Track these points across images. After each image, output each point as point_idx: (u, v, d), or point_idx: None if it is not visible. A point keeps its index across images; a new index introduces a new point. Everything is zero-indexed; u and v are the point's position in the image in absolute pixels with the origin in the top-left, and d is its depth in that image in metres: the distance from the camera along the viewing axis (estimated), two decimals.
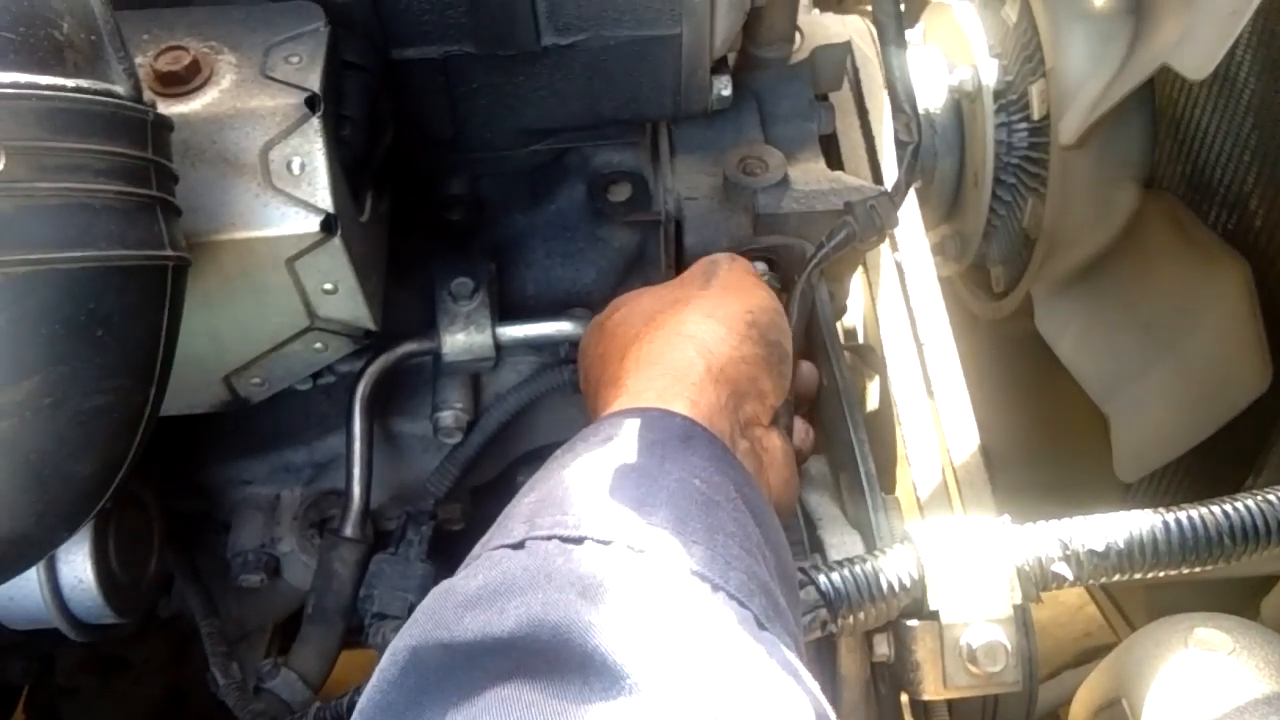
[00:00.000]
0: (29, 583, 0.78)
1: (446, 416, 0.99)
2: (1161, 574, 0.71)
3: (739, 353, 0.70)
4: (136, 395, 0.58)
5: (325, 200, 0.72)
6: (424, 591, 0.92)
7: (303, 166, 0.72)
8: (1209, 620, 0.82)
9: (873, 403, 1.21)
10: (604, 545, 0.48)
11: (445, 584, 0.49)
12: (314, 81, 0.73)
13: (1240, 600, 1.06)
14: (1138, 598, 1.34)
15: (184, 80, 0.72)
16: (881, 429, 1.19)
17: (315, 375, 0.99)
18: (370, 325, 0.83)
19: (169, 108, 0.71)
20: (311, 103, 0.72)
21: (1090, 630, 1.90)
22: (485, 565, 0.49)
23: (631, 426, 0.59)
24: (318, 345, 0.83)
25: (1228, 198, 1.14)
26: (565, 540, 0.48)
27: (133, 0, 0.78)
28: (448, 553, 1.08)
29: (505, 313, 1.01)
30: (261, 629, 1.12)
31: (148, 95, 0.70)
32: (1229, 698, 0.74)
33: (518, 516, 0.53)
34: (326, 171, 0.73)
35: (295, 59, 0.74)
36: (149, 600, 0.92)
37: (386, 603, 0.91)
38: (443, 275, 0.97)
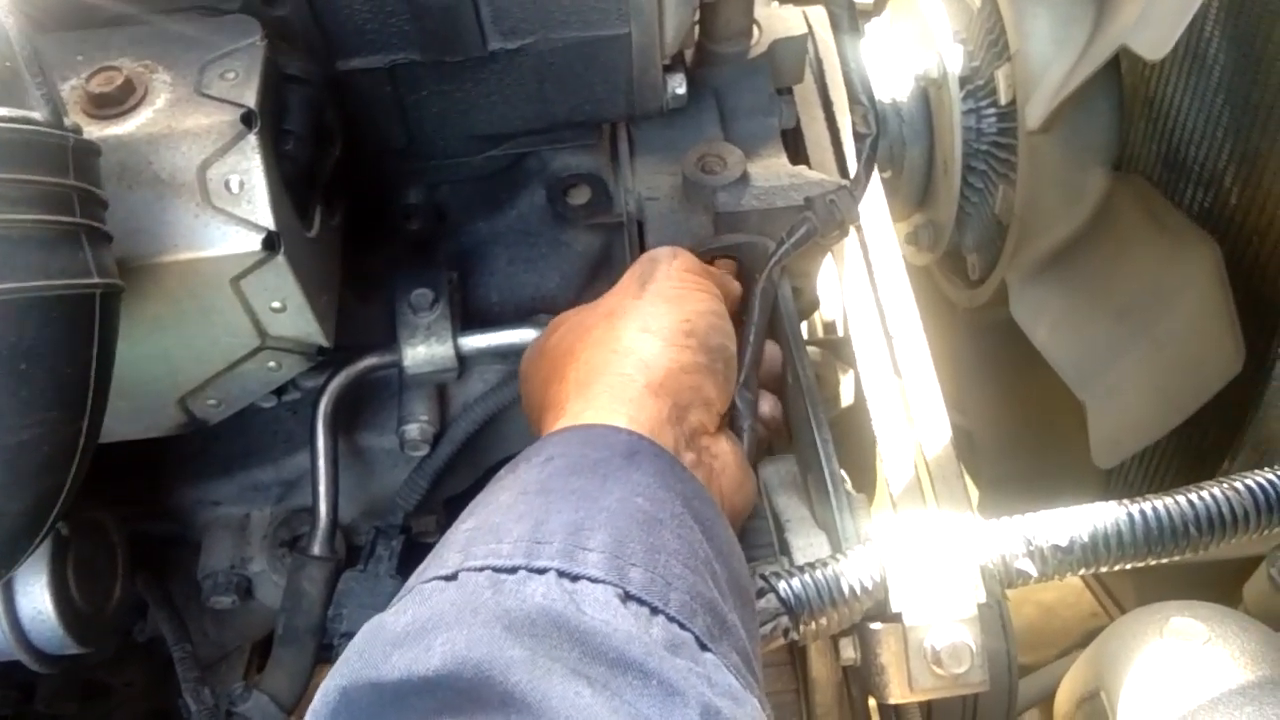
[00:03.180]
0: None
1: (412, 429, 0.98)
2: (1129, 566, 0.69)
3: (677, 364, 0.69)
4: (67, 427, 0.56)
5: (266, 218, 0.71)
6: None
7: (241, 184, 0.71)
8: (1185, 609, 0.81)
9: (849, 397, 1.20)
10: (537, 574, 0.47)
11: (375, 620, 0.49)
12: (250, 97, 0.72)
13: (1226, 584, 1.05)
14: (1126, 583, 1.33)
15: (118, 101, 0.71)
16: (860, 423, 1.18)
17: (279, 392, 0.98)
18: (323, 342, 0.82)
19: (103, 130, 0.70)
20: (248, 119, 0.71)
21: (1097, 610, 1.89)
22: (415, 600, 0.48)
23: (573, 445, 0.57)
24: (271, 364, 0.82)
25: (1202, 176, 1.12)
26: (498, 570, 0.47)
27: (69, 20, 0.77)
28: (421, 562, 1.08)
29: (469, 321, 1.00)
30: (239, 649, 1.12)
31: (80, 119, 0.69)
32: (1204, 688, 0.73)
33: (453, 545, 0.52)
34: (266, 188, 0.71)
35: (231, 75, 0.73)
36: (115, 628, 0.91)
37: (355, 621, 0.90)
38: (403, 286, 0.96)
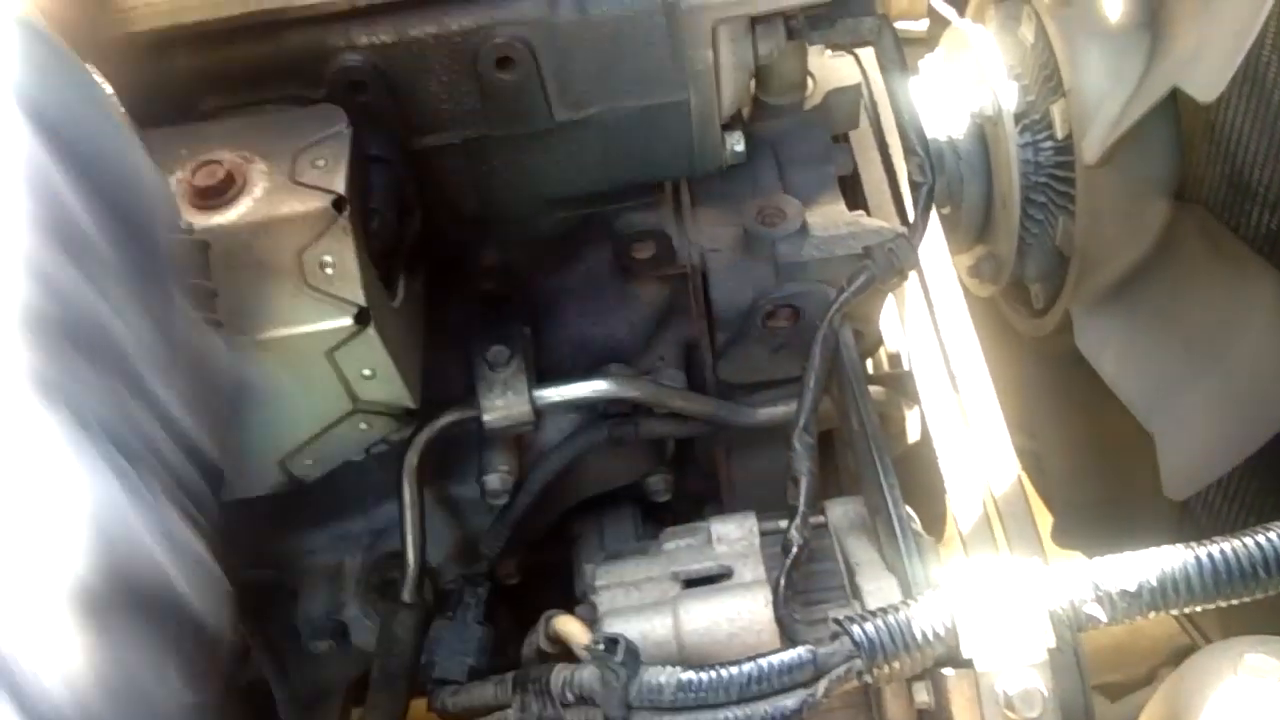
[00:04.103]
0: None
1: (493, 480, 1.02)
2: (1198, 609, 0.71)
3: None
4: None
5: (357, 295, 0.76)
6: (483, 654, 0.96)
7: (334, 265, 0.76)
8: (1259, 645, 0.81)
9: (915, 433, 1.22)
10: None
11: None
12: (339, 183, 0.77)
13: None
14: (1210, 610, 1.32)
15: (220, 192, 0.77)
16: (927, 458, 1.20)
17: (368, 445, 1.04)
18: (410, 404, 0.87)
19: (209, 219, 0.76)
20: (338, 204, 0.76)
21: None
22: None
23: None
24: (363, 425, 0.87)
25: (1267, 198, 1.12)
26: None
27: (173, 116, 0.84)
28: (508, 603, 1.12)
29: (543, 374, 1.04)
30: (336, 690, 1.17)
31: (187, 209, 0.75)
32: None
33: None
34: (357, 267, 0.77)
35: (321, 162, 0.79)
36: (226, 673, 0.96)
37: (447, 668, 0.94)
38: (479, 344, 1.01)
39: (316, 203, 0.76)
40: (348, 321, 0.76)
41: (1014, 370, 1.48)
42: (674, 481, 1.18)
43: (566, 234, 1.05)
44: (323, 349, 0.78)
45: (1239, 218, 1.14)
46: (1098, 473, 1.40)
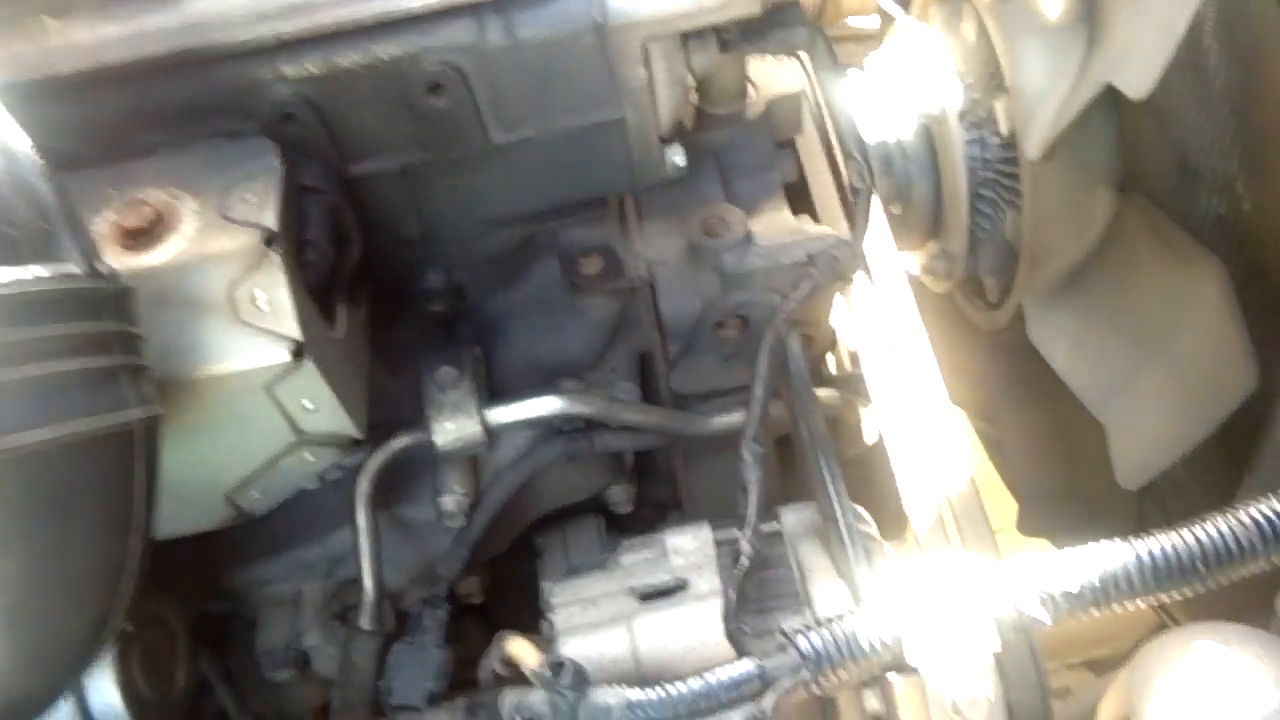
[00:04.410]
0: (61, 715, 0.83)
1: (448, 501, 1.02)
2: (1140, 604, 0.71)
3: None
4: (118, 548, 0.61)
5: (293, 329, 0.76)
6: (442, 678, 0.96)
7: (268, 301, 0.76)
8: (1209, 632, 0.82)
9: (873, 435, 1.22)
10: None
11: None
12: (270, 218, 0.77)
13: (1272, 592, 1.05)
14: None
15: (149, 233, 0.76)
16: (884, 460, 1.20)
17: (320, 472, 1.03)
18: (356, 434, 0.87)
19: (137, 260, 0.76)
20: (269, 240, 0.76)
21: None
22: None
23: None
24: (309, 457, 0.87)
25: (1215, 183, 1.13)
26: None
27: (100, 156, 0.83)
28: (476, 621, 1.12)
29: (495, 393, 1.04)
30: (302, 718, 1.17)
31: (115, 251, 0.75)
32: (1228, 713, 0.74)
33: None
34: (291, 301, 0.76)
35: (252, 197, 0.78)
36: (182, 709, 0.96)
37: (405, 694, 0.94)
38: (428, 365, 1.01)
39: (247, 238, 0.76)
40: (284, 356, 0.76)
41: (973, 361, 1.49)
42: (636, 492, 1.18)
43: (512, 252, 1.05)
44: (261, 385, 0.77)
45: (1188, 204, 1.14)
46: (1058, 459, 1.41)
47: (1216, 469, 1.13)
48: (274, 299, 0.76)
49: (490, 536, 1.08)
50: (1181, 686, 0.79)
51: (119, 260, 0.74)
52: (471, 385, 0.99)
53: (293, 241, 0.81)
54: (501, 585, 1.20)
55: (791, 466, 1.17)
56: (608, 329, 1.09)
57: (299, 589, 1.07)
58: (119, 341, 0.63)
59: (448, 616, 1.02)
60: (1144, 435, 1.06)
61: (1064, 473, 1.43)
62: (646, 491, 1.23)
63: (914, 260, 1.42)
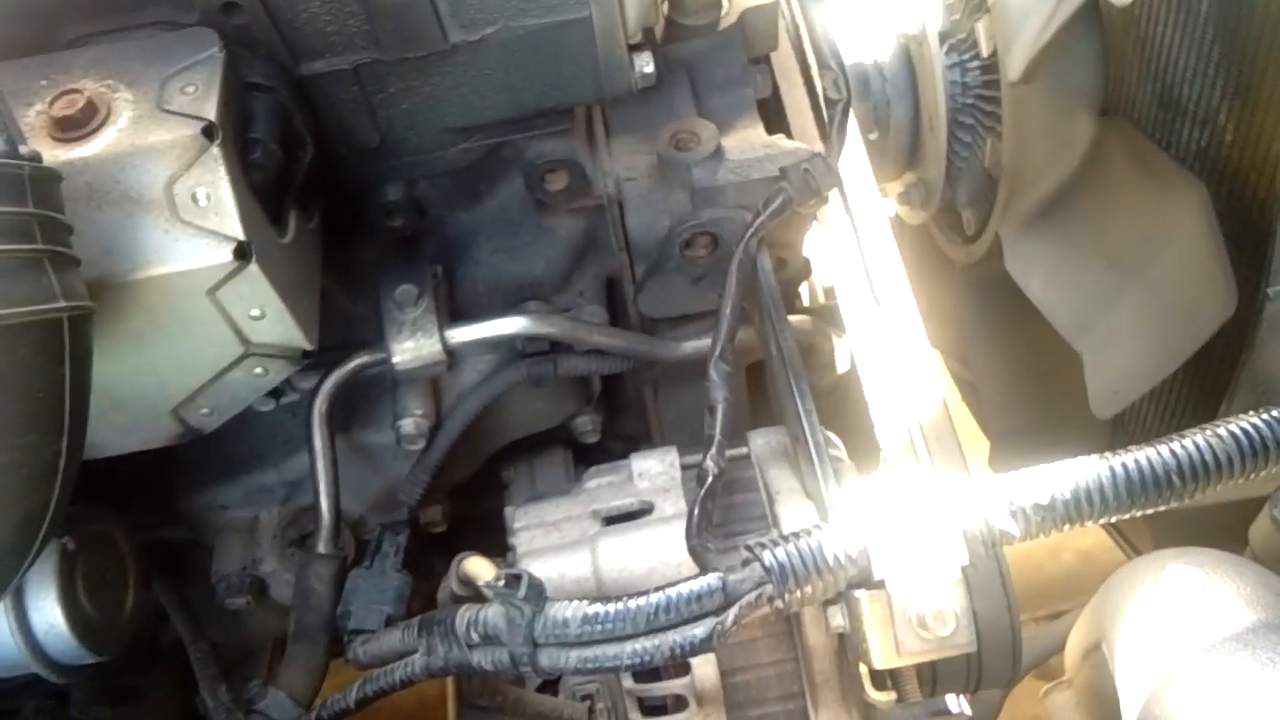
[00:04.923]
0: (1, 632, 0.79)
1: (407, 424, 0.99)
2: (1113, 519, 0.69)
3: None
4: (46, 448, 0.58)
5: (235, 229, 0.72)
6: (401, 603, 0.93)
7: (209, 197, 0.72)
8: (1181, 556, 0.80)
9: (845, 364, 1.20)
10: None
11: None
12: (210, 110, 0.72)
13: (1241, 530, 1.04)
14: (1144, 531, 1.32)
15: (81, 124, 0.72)
16: (856, 389, 1.18)
17: (277, 395, 1.00)
18: (306, 345, 0.83)
19: (69, 153, 0.71)
20: (209, 132, 0.72)
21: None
22: None
23: None
24: (258, 370, 0.83)
25: (1197, 114, 1.10)
26: None
27: (32, 45, 0.78)
28: (435, 553, 1.09)
29: (458, 313, 1.01)
30: (261, 649, 1.14)
31: (46, 143, 0.70)
32: (1200, 634, 0.73)
33: None
34: (234, 199, 0.72)
35: (191, 89, 0.74)
36: (132, 634, 0.93)
37: (363, 618, 0.91)
38: (388, 284, 0.97)
39: (185, 130, 0.72)
40: (227, 258, 0.72)
41: (948, 298, 1.46)
42: (603, 423, 1.16)
43: (475, 166, 1.01)
44: (203, 288, 0.74)
45: (1169, 135, 1.12)
46: (1032, 398, 1.40)
47: (1189, 411, 1.11)
48: (215, 196, 0.72)
49: (453, 463, 1.06)
50: (1152, 609, 0.77)
51: (49, 153, 0.70)
52: (432, 304, 0.96)
53: (237, 139, 0.77)
54: (467, 519, 1.17)
55: (763, 398, 1.15)
56: (574, 251, 1.06)
57: (256, 515, 1.04)
58: (43, 228, 0.59)
59: (407, 542, 0.99)
60: (1120, 363, 1.04)
61: (1036, 412, 1.41)
62: (615, 425, 1.20)
63: (891, 198, 1.39)
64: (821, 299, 1.46)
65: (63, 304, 0.59)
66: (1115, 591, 0.83)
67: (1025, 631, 0.86)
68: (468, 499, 1.16)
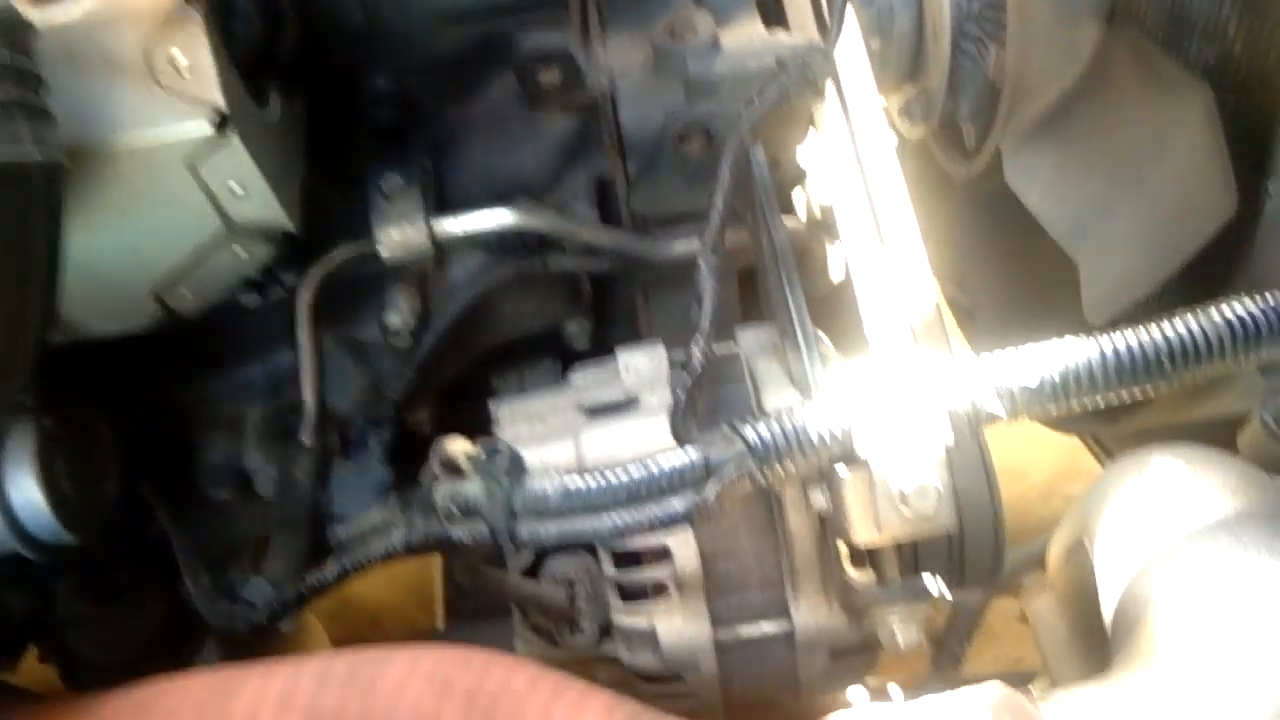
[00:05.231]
0: None
1: (394, 318, 0.98)
2: (1100, 401, 0.68)
3: None
4: (11, 297, 0.57)
5: (215, 96, 0.71)
6: (383, 496, 0.93)
7: (188, 63, 0.70)
8: (1165, 450, 0.80)
9: (838, 274, 1.18)
10: None
11: None
12: None
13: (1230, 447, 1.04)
14: (1129, 449, 1.32)
15: None
16: (849, 299, 1.17)
17: (263, 290, 0.99)
18: (289, 225, 0.82)
19: (46, 14, 0.69)
20: None
21: None
22: None
23: None
24: (239, 252, 0.82)
25: (1207, 28, 1.08)
26: None
27: None
28: (421, 457, 1.09)
29: (447, 210, 0.99)
30: (247, 547, 1.14)
31: (23, 4, 0.68)
32: (1183, 523, 0.73)
33: None
34: (213, 65, 0.71)
35: None
36: (109, 520, 0.93)
37: (346, 509, 0.91)
38: (374, 174, 0.96)
39: None
40: (205, 126, 0.70)
41: (945, 218, 1.45)
42: (594, 330, 1.15)
43: (466, 57, 0.99)
44: (182, 159, 0.72)
45: (1177, 50, 1.09)
46: (1026, 321, 1.38)
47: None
48: (195, 61, 0.70)
49: (441, 363, 1.05)
50: (1134, 499, 0.77)
51: (27, 15, 0.68)
52: (419, 193, 0.95)
53: (219, 9, 0.75)
54: (456, 426, 1.17)
55: (754, 307, 1.14)
56: (566, 148, 1.04)
57: (240, 409, 1.03)
58: (12, 75, 0.58)
59: (392, 439, 0.99)
60: (1116, 269, 1.03)
61: (1030, 332, 1.40)
62: (606, 335, 1.19)
63: (891, 104, 1.37)
64: (817, 214, 1.44)
65: (33, 152, 0.58)
66: (1099, 488, 0.83)
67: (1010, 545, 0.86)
68: (456, 408, 1.15)
